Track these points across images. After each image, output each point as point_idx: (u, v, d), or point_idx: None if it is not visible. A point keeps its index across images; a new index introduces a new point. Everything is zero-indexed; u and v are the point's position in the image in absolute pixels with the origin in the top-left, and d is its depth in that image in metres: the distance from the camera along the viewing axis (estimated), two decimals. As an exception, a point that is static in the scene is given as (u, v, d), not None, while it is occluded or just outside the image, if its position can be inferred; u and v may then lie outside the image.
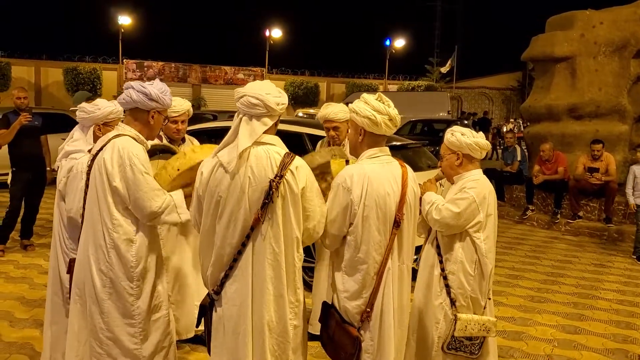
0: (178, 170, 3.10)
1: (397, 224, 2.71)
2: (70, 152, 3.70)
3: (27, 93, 7.13)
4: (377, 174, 2.71)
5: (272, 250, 2.58)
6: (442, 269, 3.16)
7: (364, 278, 2.71)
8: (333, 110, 4.18)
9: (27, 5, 41.58)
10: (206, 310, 2.74)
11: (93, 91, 27.25)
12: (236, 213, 2.56)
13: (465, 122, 19.86)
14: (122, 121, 3.13)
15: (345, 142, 4.19)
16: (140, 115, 3.04)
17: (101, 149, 2.98)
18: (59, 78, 30.30)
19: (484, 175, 3.26)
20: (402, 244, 2.77)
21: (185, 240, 4.12)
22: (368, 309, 2.71)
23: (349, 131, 2.96)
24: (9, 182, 6.75)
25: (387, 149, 2.83)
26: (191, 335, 4.16)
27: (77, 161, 3.58)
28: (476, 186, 3.13)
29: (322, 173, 3.00)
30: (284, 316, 2.63)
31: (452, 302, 3.12)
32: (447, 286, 3.13)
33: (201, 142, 4.03)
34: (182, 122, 4.09)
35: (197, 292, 4.02)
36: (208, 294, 2.73)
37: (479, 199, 3.09)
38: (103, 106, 3.70)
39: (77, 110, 3.83)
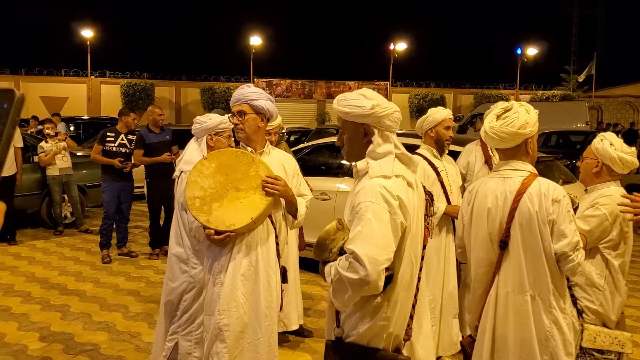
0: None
1: (502, 244, 2.49)
2: (188, 162, 3.76)
3: (162, 110, 7.69)
4: (485, 188, 2.57)
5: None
6: (567, 279, 2.95)
7: (472, 294, 2.66)
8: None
9: (168, 31, 45.36)
10: None
11: (227, 109, 28.94)
12: (418, 230, 2.22)
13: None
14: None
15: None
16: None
17: None
18: (197, 97, 32.58)
19: (622, 190, 2.99)
20: (511, 269, 2.48)
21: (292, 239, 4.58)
22: (477, 324, 2.63)
23: None
24: (145, 193, 7.34)
25: (517, 163, 2.55)
26: (295, 327, 4.70)
27: None
28: (609, 202, 2.90)
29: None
30: None
31: (580, 313, 2.96)
32: (572, 296, 2.96)
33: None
34: (275, 134, 4.83)
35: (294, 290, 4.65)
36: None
37: (612, 217, 2.88)
38: (214, 117, 3.94)
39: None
